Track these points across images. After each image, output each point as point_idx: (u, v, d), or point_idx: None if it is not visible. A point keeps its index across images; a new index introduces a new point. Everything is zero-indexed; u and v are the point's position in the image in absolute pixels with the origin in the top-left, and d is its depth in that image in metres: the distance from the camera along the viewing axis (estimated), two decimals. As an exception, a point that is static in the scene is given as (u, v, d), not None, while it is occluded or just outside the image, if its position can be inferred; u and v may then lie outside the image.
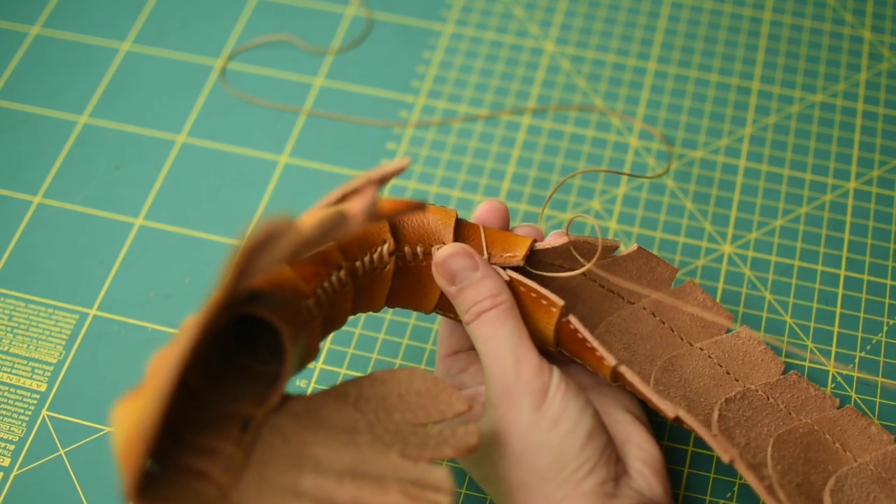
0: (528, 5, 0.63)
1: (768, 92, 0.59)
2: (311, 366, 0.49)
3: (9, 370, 0.49)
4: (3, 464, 0.47)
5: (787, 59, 0.60)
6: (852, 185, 0.55)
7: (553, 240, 0.44)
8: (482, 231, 0.43)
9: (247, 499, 0.33)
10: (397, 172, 0.37)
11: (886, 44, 0.60)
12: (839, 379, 0.48)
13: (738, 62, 0.60)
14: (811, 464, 0.41)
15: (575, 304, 0.45)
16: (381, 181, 0.36)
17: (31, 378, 0.49)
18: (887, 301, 0.51)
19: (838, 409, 0.45)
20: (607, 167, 0.56)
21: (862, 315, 0.50)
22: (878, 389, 0.48)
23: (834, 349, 0.49)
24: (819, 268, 0.52)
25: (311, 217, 0.34)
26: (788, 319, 0.50)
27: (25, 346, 0.50)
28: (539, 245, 0.43)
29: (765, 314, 0.50)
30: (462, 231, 0.42)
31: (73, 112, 0.59)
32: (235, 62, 0.61)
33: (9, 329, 0.51)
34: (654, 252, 0.52)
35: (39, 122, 0.59)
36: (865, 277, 0.52)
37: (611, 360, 0.40)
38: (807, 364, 0.49)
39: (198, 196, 0.55)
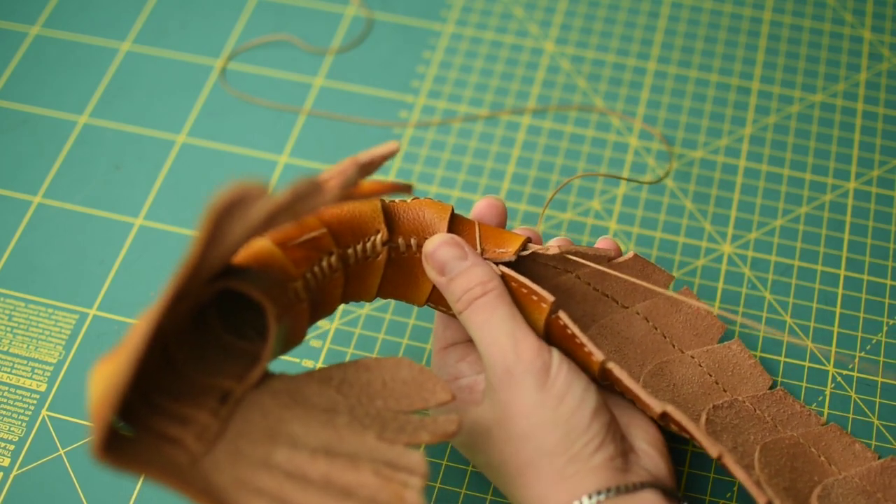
0: (528, 5, 0.63)
1: (768, 92, 0.59)
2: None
3: (9, 370, 0.50)
4: (2, 464, 0.47)
5: (787, 59, 0.60)
6: (852, 185, 0.55)
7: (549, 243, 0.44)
8: (477, 226, 0.43)
9: (219, 467, 0.33)
10: (386, 156, 0.37)
11: (886, 44, 0.60)
12: (839, 379, 0.48)
13: (738, 62, 0.60)
14: (797, 472, 0.42)
15: (568, 306, 0.45)
16: (367, 164, 0.36)
17: (30, 378, 0.49)
18: (887, 301, 0.51)
19: (823, 426, 0.45)
20: (607, 167, 0.56)
21: (862, 315, 0.50)
22: (878, 389, 0.48)
23: (834, 349, 0.49)
24: (819, 268, 0.52)
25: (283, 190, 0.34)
26: (788, 319, 0.50)
27: (25, 346, 0.50)
28: (532, 247, 0.43)
29: (765, 314, 0.50)
30: (457, 225, 0.43)
31: (73, 112, 0.59)
32: (235, 62, 0.61)
33: (9, 329, 0.51)
34: (654, 252, 0.52)
35: (39, 122, 0.59)
36: (865, 277, 0.52)
37: (599, 356, 0.40)
38: (807, 364, 0.49)
39: (198, 196, 0.55)
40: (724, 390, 0.45)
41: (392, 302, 0.51)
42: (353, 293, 0.42)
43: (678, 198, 0.55)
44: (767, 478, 0.40)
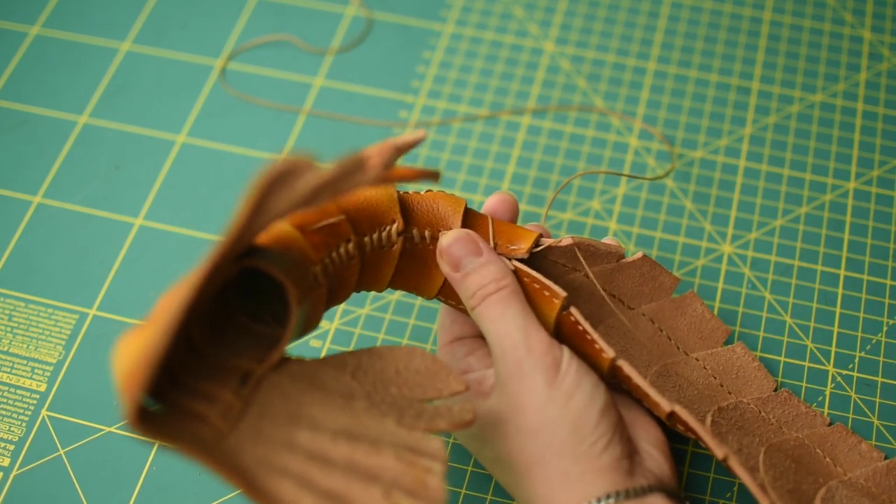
0: (528, 5, 0.63)
1: (768, 92, 0.59)
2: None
3: (9, 370, 0.50)
4: (2, 464, 0.47)
5: (787, 59, 0.60)
6: (852, 185, 0.55)
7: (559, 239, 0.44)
8: (490, 221, 0.43)
9: (242, 445, 0.33)
10: (414, 143, 0.37)
11: (886, 44, 0.60)
12: (839, 379, 0.48)
13: (738, 62, 0.60)
14: (802, 474, 0.42)
15: (576, 304, 0.45)
16: (399, 149, 0.36)
17: (30, 378, 0.49)
18: (887, 301, 0.51)
19: (829, 426, 0.45)
20: (607, 167, 0.56)
21: (862, 315, 0.50)
22: (878, 389, 0.48)
23: (834, 349, 0.49)
24: (819, 268, 0.52)
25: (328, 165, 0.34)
26: (788, 319, 0.50)
27: (25, 346, 0.50)
28: (544, 241, 0.43)
29: (765, 314, 0.50)
30: (470, 220, 0.43)
31: (73, 112, 0.59)
32: (235, 62, 0.61)
33: (9, 329, 0.51)
34: (654, 252, 0.52)
35: (39, 122, 0.59)
36: (865, 277, 0.52)
37: (609, 353, 0.40)
38: (807, 364, 0.49)
39: (198, 196, 0.55)
40: (729, 392, 0.45)
41: (392, 302, 0.51)
42: (367, 282, 0.42)
43: (678, 198, 0.55)
44: (772, 480, 0.40)
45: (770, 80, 0.59)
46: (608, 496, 0.37)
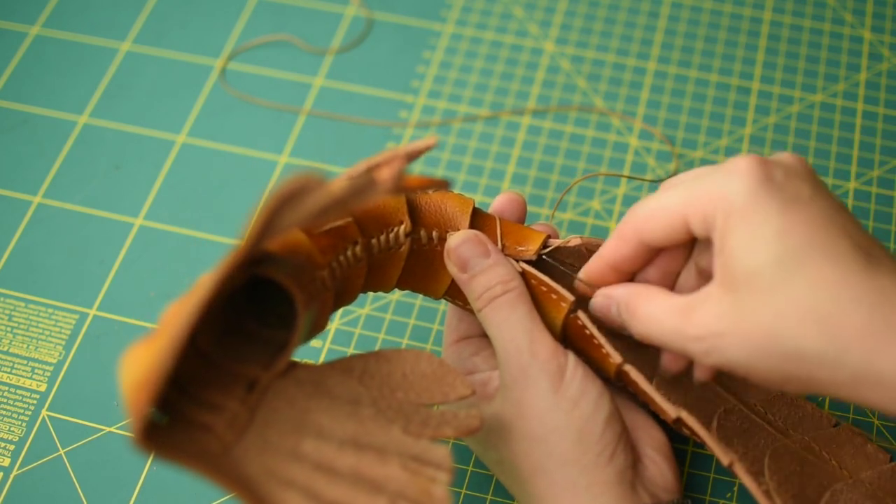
0: (528, 5, 0.63)
1: (768, 92, 0.59)
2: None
3: (9, 370, 0.50)
4: (3, 464, 0.47)
5: (787, 59, 0.60)
6: (852, 185, 0.55)
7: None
8: (498, 222, 0.43)
9: (248, 456, 0.33)
10: (424, 150, 0.37)
11: (886, 44, 0.60)
12: (839, 379, 0.48)
13: (738, 62, 0.60)
14: (807, 478, 0.42)
15: (582, 307, 0.45)
16: (408, 156, 0.36)
17: (30, 378, 0.49)
18: (887, 301, 0.51)
19: (835, 427, 0.45)
20: (607, 167, 0.56)
21: (862, 315, 0.50)
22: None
23: (834, 349, 0.49)
24: (819, 268, 0.52)
25: (338, 182, 0.34)
26: (788, 319, 0.50)
27: (25, 346, 0.50)
28: (552, 242, 0.43)
29: (765, 314, 0.50)
30: (478, 220, 0.43)
31: (73, 112, 0.59)
32: (235, 62, 0.61)
33: (9, 329, 0.51)
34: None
35: (39, 122, 0.59)
36: (865, 277, 0.52)
37: (616, 358, 0.40)
38: (807, 364, 0.49)
39: (198, 196, 0.55)
40: (734, 394, 0.45)
41: (392, 302, 0.51)
42: (374, 283, 0.42)
43: (678, 198, 0.55)
44: (777, 485, 0.40)
45: (770, 80, 0.59)
46: None
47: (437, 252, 0.42)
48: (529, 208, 0.54)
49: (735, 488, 0.45)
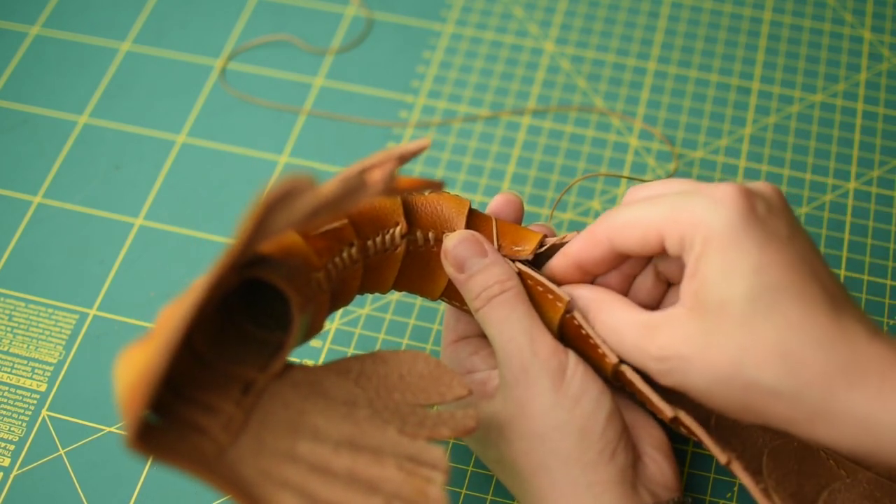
0: (528, 5, 0.63)
1: (768, 92, 0.59)
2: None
3: (9, 370, 0.50)
4: (3, 464, 0.47)
5: (787, 59, 0.60)
6: (852, 185, 0.55)
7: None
8: (494, 222, 0.43)
9: (243, 459, 0.33)
10: (417, 152, 0.37)
11: (886, 44, 0.60)
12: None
13: (738, 62, 0.60)
14: (805, 476, 0.42)
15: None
16: (401, 158, 0.36)
17: (31, 378, 0.49)
18: (887, 301, 0.51)
19: None
20: (607, 167, 0.56)
21: (862, 315, 0.50)
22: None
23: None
24: (819, 268, 0.52)
25: (329, 184, 0.34)
26: (788, 319, 0.50)
27: (25, 346, 0.50)
28: (548, 241, 0.43)
29: (765, 314, 0.50)
30: (474, 221, 0.43)
31: (73, 112, 0.59)
32: (235, 62, 0.61)
33: (9, 329, 0.51)
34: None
35: (39, 122, 0.59)
36: (865, 277, 0.52)
37: (613, 358, 0.40)
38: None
39: (198, 196, 0.55)
40: None
41: (392, 302, 0.51)
42: (370, 285, 0.42)
43: (678, 198, 0.55)
44: (775, 484, 0.40)
45: (770, 80, 0.59)
46: None
47: (434, 253, 0.42)
48: (529, 208, 0.54)
49: (735, 488, 0.46)
